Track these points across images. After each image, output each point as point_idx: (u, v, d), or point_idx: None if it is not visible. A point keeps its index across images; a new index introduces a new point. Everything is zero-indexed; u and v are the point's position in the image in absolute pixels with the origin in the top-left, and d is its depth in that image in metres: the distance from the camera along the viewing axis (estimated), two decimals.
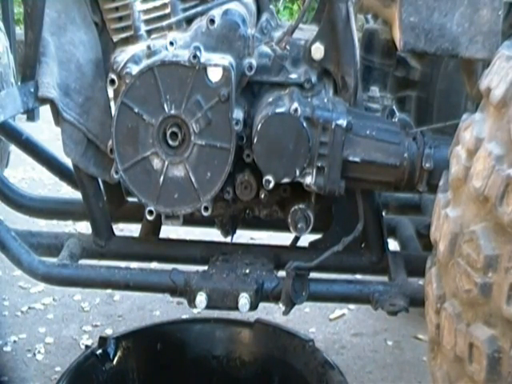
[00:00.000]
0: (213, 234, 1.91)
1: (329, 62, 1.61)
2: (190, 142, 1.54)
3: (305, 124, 1.52)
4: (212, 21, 1.54)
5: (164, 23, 1.60)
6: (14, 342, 2.37)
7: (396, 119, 1.70)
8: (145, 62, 1.53)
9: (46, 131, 3.89)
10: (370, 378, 2.26)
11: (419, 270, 1.48)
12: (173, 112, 1.53)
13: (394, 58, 1.77)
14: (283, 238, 1.89)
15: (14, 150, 2.20)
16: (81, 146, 1.66)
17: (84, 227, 2.90)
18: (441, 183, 1.33)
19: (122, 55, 1.58)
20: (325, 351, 1.89)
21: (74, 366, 1.78)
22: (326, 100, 1.57)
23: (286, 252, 1.81)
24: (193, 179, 1.56)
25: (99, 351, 1.83)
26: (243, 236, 2.04)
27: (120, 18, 1.64)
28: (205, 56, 1.52)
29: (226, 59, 1.52)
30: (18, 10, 6.10)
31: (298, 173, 1.53)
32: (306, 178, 1.55)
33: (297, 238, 1.83)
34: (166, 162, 1.56)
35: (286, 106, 1.52)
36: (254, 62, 1.56)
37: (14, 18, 5.11)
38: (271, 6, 1.80)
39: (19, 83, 1.69)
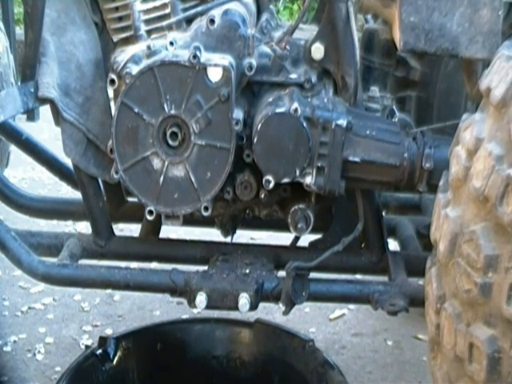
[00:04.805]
0: (213, 234, 1.91)
1: (329, 62, 1.61)
2: (190, 141, 1.54)
3: (305, 124, 1.52)
4: (212, 21, 1.54)
5: (164, 23, 1.60)
6: (14, 342, 2.37)
7: (396, 119, 1.70)
8: (145, 62, 1.53)
9: (46, 131, 3.89)
10: (370, 378, 2.26)
11: (419, 269, 1.48)
12: (173, 112, 1.53)
13: (393, 57, 1.77)
14: (283, 238, 1.89)
15: (14, 150, 2.20)
16: (81, 146, 1.66)
17: (84, 227, 2.91)
18: (441, 183, 1.33)
19: (122, 55, 1.58)
20: (325, 351, 1.89)
21: (73, 366, 1.78)
22: (326, 100, 1.57)
23: (285, 252, 1.81)
24: (193, 179, 1.56)
25: (99, 351, 1.83)
26: (243, 236, 2.04)
27: (120, 18, 1.64)
28: (205, 56, 1.52)
29: (226, 59, 1.52)
30: (18, 10, 6.11)
31: (297, 173, 1.53)
32: (305, 178, 1.55)
33: (297, 238, 1.83)
34: (166, 162, 1.56)
35: (286, 105, 1.52)
36: (253, 62, 1.56)
37: (14, 17, 5.12)
38: (271, 6, 1.80)
39: (19, 83, 1.69)
